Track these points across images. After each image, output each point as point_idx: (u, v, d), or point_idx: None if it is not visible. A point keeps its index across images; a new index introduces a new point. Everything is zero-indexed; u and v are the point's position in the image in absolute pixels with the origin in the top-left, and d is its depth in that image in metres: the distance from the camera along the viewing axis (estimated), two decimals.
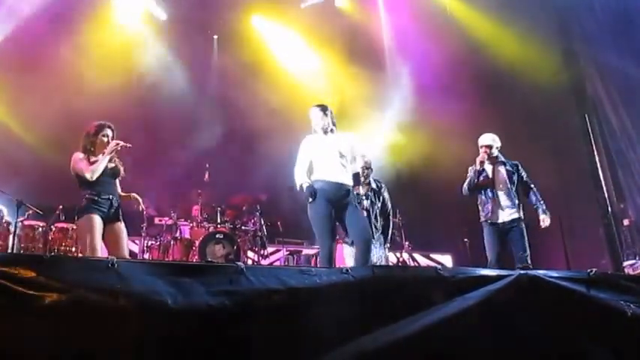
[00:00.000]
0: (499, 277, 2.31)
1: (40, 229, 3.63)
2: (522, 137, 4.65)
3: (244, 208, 5.03)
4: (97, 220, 2.79)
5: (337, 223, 3.05)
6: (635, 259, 4.82)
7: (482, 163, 3.55)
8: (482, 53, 5.73)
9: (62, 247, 3.53)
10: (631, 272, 4.46)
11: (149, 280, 1.86)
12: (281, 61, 6.55)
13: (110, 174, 2.95)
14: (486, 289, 2.23)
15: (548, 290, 2.31)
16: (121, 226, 2.90)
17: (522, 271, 2.42)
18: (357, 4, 6.57)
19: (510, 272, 2.41)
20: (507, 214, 3.50)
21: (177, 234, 4.67)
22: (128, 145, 2.95)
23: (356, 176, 3.18)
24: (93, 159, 2.90)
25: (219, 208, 4.87)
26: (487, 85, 5.68)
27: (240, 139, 6.07)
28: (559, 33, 5.84)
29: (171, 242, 4.52)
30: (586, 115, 6.00)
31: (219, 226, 4.70)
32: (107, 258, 1.92)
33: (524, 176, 3.62)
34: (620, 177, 5.63)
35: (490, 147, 3.57)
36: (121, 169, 3.01)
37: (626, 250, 5.22)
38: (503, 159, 3.65)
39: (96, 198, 2.83)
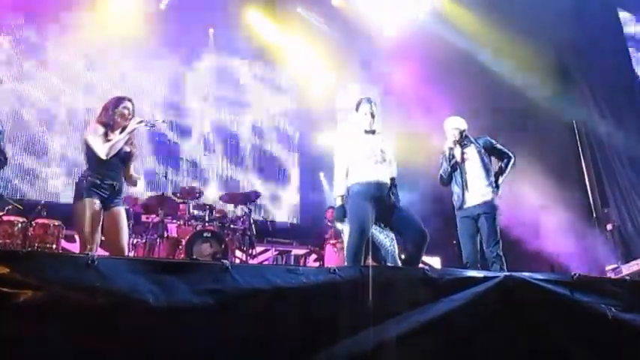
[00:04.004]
0: (485, 279, 2.33)
1: (20, 224, 3.51)
2: (509, 139, 4.70)
3: (233, 206, 4.97)
4: (96, 205, 2.53)
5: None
6: (617, 263, 4.92)
7: (451, 148, 3.41)
8: (472, 50, 5.78)
9: (42, 244, 3.42)
10: (613, 276, 4.55)
11: (130, 278, 1.81)
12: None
13: (122, 157, 2.66)
14: (472, 291, 2.25)
15: (533, 292, 2.33)
16: (121, 211, 2.65)
17: (508, 274, 2.44)
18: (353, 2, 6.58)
19: (496, 274, 2.43)
20: (477, 196, 3.30)
21: (164, 232, 4.58)
22: (152, 122, 2.69)
23: (392, 180, 2.81)
24: (110, 136, 2.62)
25: (207, 206, 4.80)
26: (477, 87, 5.74)
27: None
28: (549, 40, 5.95)
29: (158, 240, 4.42)
30: (574, 121, 6.13)
31: (206, 224, 4.63)
32: (87, 254, 1.86)
33: (498, 147, 3.48)
34: (604, 182, 5.75)
35: (457, 129, 3.44)
36: (135, 153, 2.74)
37: (609, 254, 5.33)
38: (472, 139, 3.47)
39: (98, 182, 2.56)
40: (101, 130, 2.65)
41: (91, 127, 2.68)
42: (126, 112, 2.71)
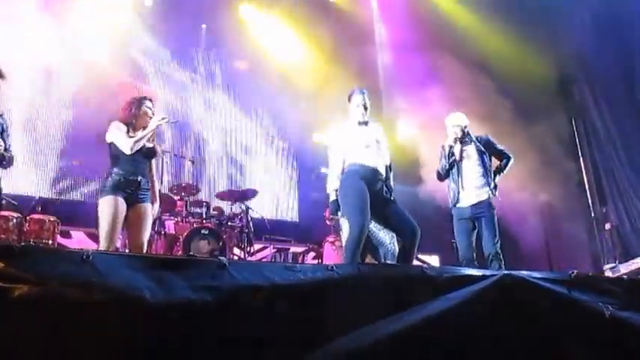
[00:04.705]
0: (484, 277, 2.33)
1: (15, 220, 3.48)
2: (507, 136, 4.71)
3: (231, 203, 4.96)
4: (119, 203, 2.57)
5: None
6: (615, 262, 4.94)
7: (451, 146, 3.39)
8: (473, 48, 5.78)
9: (38, 240, 3.40)
10: (611, 275, 4.56)
11: (127, 274, 1.79)
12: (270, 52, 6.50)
13: (145, 153, 2.72)
14: (470, 289, 2.24)
15: (531, 291, 2.33)
16: (147, 207, 2.68)
17: (506, 272, 2.44)
18: None
19: (494, 272, 2.43)
20: (474, 195, 3.30)
21: (161, 229, 4.56)
22: (173, 120, 2.79)
23: (388, 168, 2.80)
24: (132, 134, 2.69)
25: (204, 203, 4.79)
26: (475, 82, 5.73)
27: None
28: (549, 36, 5.94)
29: (155, 237, 4.41)
30: (572, 118, 6.14)
31: (204, 221, 4.61)
32: (82, 250, 1.85)
33: (498, 147, 3.50)
34: (602, 181, 5.77)
35: (459, 127, 3.42)
36: (159, 149, 2.84)
37: (607, 253, 5.36)
38: (472, 137, 3.46)
39: (122, 179, 2.62)
40: (124, 128, 2.72)
41: (112, 126, 2.73)
42: (149, 111, 2.79)
